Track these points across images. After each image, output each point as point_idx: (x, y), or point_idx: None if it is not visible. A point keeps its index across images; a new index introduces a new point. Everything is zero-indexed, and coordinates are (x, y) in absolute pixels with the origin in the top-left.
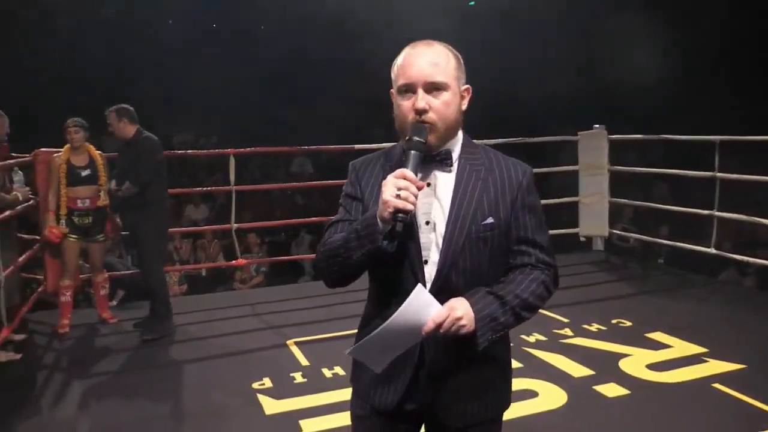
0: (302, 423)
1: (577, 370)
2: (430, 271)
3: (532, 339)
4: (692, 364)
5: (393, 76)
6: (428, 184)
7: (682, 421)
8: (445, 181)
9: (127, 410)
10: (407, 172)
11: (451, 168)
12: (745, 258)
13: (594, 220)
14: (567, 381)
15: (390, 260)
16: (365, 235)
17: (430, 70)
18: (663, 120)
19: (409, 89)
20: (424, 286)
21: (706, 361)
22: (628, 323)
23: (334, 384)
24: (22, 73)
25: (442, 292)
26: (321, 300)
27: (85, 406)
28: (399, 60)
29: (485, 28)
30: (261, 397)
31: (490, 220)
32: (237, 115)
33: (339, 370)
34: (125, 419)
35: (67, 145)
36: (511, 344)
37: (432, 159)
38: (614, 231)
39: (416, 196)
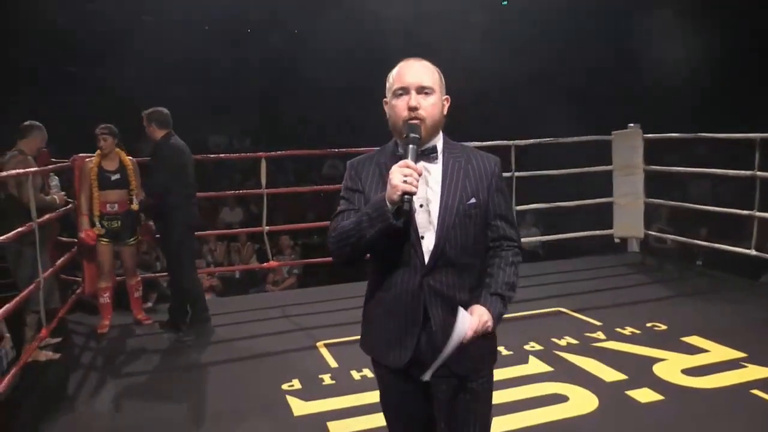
0: (330, 425)
1: (610, 375)
2: (427, 245)
3: (563, 342)
4: (730, 369)
5: (388, 84)
6: (419, 175)
7: (718, 429)
8: (433, 172)
9: (159, 409)
10: (409, 162)
11: (437, 161)
12: None
13: (629, 220)
14: (598, 385)
15: (393, 238)
16: (376, 216)
17: (421, 77)
18: (704, 118)
19: (404, 92)
20: (423, 257)
21: (744, 367)
22: (663, 327)
23: (363, 386)
24: (66, 78)
25: (439, 260)
26: (350, 302)
27: (119, 404)
28: (394, 71)
29: (518, 27)
30: (290, 399)
31: (473, 200)
32: (270, 117)
33: (367, 372)
34: (157, 418)
35: (99, 151)
36: (542, 348)
37: (422, 154)
38: (650, 232)
39: (418, 180)
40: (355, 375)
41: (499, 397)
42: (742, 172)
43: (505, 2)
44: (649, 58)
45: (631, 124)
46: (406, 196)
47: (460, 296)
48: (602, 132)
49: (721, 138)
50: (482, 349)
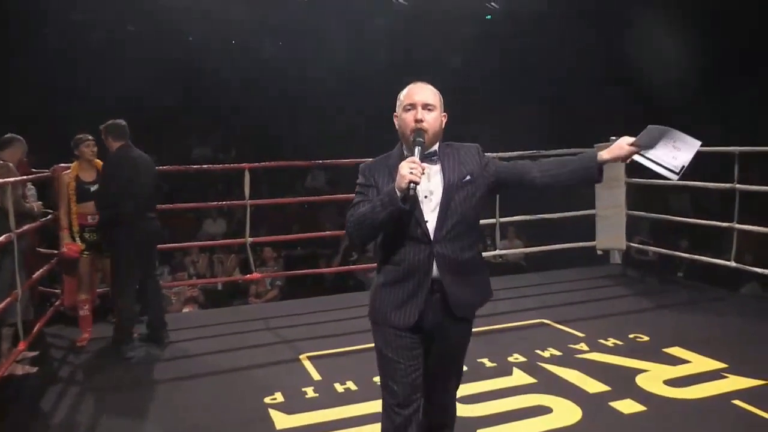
0: None
1: (593, 386)
2: (431, 225)
3: (546, 354)
4: (711, 380)
5: (398, 101)
6: (422, 169)
7: None
8: (435, 170)
9: (139, 423)
10: (415, 158)
11: (437, 162)
12: (767, 271)
13: (611, 233)
14: (582, 397)
15: (404, 220)
16: (388, 201)
17: (426, 96)
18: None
19: (412, 107)
20: (427, 235)
21: (725, 377)
22: (646, 338)
23: (346, 399)
24: (53, 88)
25: (442, 231)
26: (334, 314)
27: (97, 419)
28: (404, 91)
29: (502, 40)
30: (272, 412)
31: (468, 177)
32: (255, 128)
33: (351, 385)
34: None
35: (76, 162)
36: (526, 359)
37: (425, 157)
38: (632, 244)
39: (421, 173)
40: (339, 388)
41: (482, 409)
42: (722, 184)
43: (489, 16)
44: (635, 69)
45: (613, 137)
46: (411, 184)
47: (463, 255)
48: (585, 145)
49: (700, 151)
50: (482, 293)
